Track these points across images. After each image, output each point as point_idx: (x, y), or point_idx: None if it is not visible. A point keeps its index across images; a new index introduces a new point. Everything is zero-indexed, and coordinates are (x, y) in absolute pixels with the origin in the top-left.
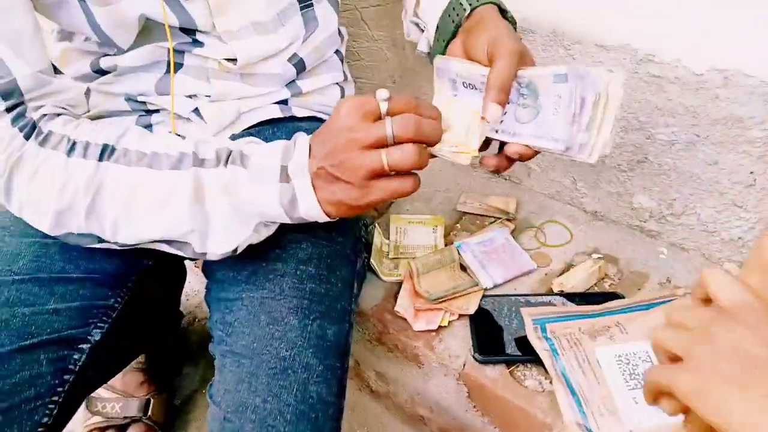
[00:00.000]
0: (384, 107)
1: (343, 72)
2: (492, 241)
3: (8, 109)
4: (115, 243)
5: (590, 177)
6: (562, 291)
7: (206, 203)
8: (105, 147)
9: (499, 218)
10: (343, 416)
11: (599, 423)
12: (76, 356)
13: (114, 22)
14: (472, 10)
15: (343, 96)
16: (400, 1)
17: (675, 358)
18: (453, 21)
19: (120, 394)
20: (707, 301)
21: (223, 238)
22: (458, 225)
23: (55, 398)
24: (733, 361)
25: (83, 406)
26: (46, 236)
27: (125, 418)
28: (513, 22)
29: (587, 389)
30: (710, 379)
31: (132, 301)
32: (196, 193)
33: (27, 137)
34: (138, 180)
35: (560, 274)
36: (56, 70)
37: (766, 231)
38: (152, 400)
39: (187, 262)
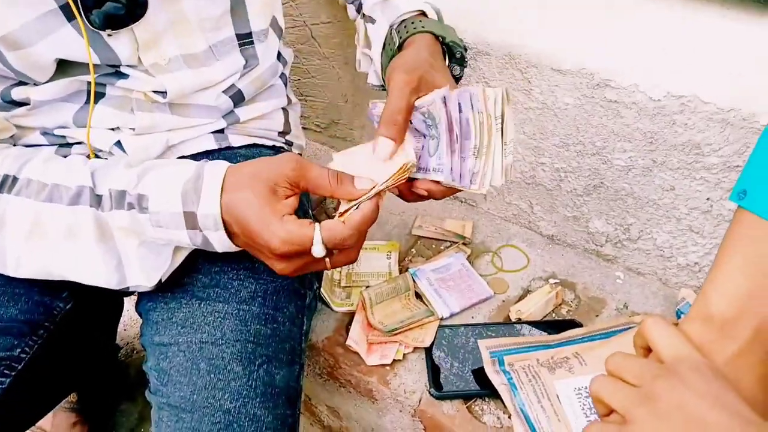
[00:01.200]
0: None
1: (287, 96)
2: (448, 268)
3: None
4: (20, 276)
5: (546, 201)
6: (520, 319)
7: (115, 241)
8: (5, 178)
9: (455, 242)
10: None
11: None
12: None
13: (28, 64)
14: (401, 43)
15: (287, 120)
16: (351, 20)
17: (613, 412)
18: (388, 55)
19: None
20: (648, 350)
21: (142, 272)
22: (413, 250)
23: None
24: (676, 424)
25: None
26: None
27: None
28: (452, 47)
29: (546, 425)
30: None
31: (46, 348)
32: (100, 231)
33: None
34: (40, 215)
35: (518, 301)
36: None
37: (708, 279)
38: None
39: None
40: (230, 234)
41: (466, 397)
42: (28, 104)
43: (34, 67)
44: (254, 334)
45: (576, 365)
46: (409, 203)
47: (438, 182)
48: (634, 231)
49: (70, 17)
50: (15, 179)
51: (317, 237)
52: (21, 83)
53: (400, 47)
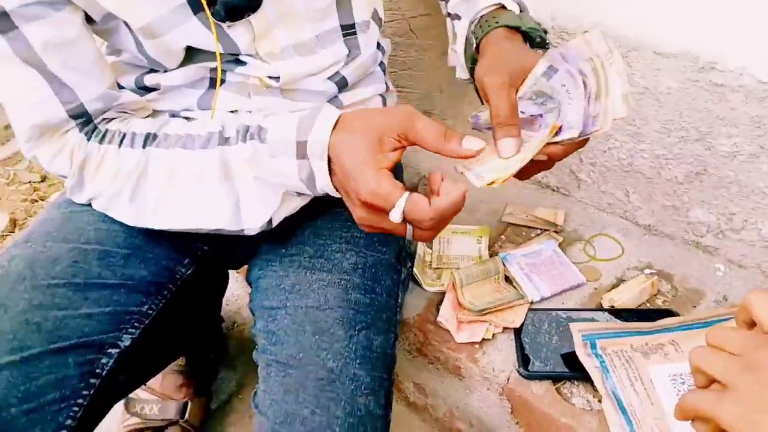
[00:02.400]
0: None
1: (385, 83)
2: (539, 254)
3: (78, 124)
4: (157, 227)
5: (644, 189)
6: (613, 306)
7: (234, 179)
8: (148, 135)
9: (547, 230)
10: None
11: None
12: (104, 360)
13: (161, 51)
14: (478, 44)
15: (384, 105)
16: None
17: (714, 382)
18: (470, 53)
19: (158, 396)
20: (751, 324)
21: (255, 210)
22: (503, 236)
23: (80, 401)
24: None
25: (122, 406)
26: (86, 242)
27: (163, 420)
28: (530, 33)
29: (639, 409)
30: (757, 411)
31: (167, 308)
32: (224, 169)
33: (89, 138)
34: (174, 160)
35: (610, 289)
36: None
37: None
38: (190, 403)
39: (230, 270)
40: (330, 172)
41: (555, 378)
42: (159, 89)
43: (167, 54)
44: (355, 302)
45: (672, 352)
46: (500, 191)
47: (557, 143)
48: (738, 221)
49: (196, 10)
50: (155, 136)
51: (400, 203)
52: (152, 71)
53: (477, 48)
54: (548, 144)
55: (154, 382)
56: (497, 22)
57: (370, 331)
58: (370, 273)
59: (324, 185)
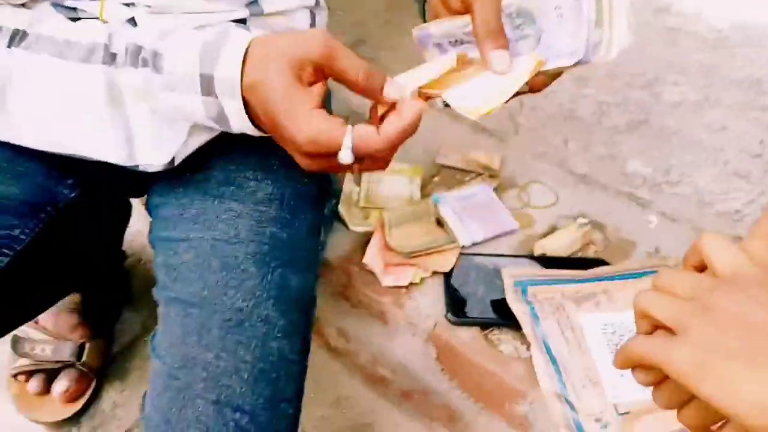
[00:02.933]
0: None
1: None
2: (473, 196)
3: None
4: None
5: (583, 137)
6: (544, 254)
7: (126, 107)
8: (16, 32)
9: (482, 174)
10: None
11: (580, 395)
12: None
13: None
14: None
15: (312, 24)
16: None
17: (661, 329)
18: None
19: (52, 336)
20: (701, 268)
21: (153, 147)
22: (436, 178)
23: None
24: (737, 334)
25: (8, 347)
26: None
27: (57, 362)
28: None
29: (569, 358)
30: (713, 355)
31: (46, 234)
32: (110, 93)
33: None
34: (47, 71)
35: (543, 237)
36: None
37: None
38: (87, 345)
39: (133, 200)
40: (252, 116)
41: (484, 325)
42: None
43: None
44: (270, 236)
45: (603, 301)
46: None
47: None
48: (675, 174)
49: None
50: (25, 34)
51: (347, 142)
52: None
53: None
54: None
55: (47, 320)
56: None
57: (286, 269)
58: (288, 206)
59: (242, 127)
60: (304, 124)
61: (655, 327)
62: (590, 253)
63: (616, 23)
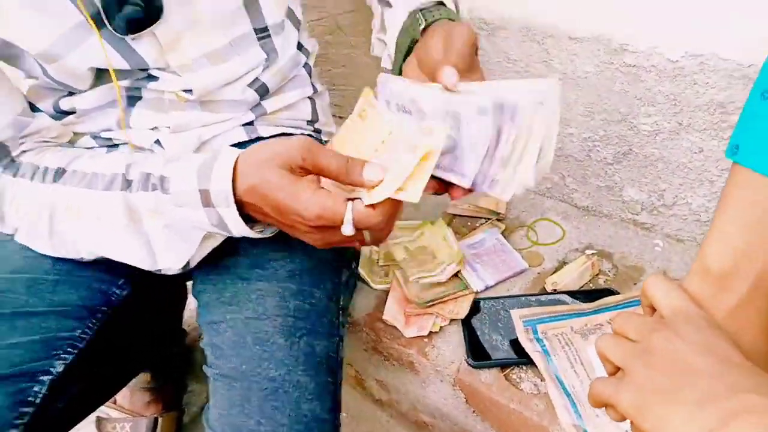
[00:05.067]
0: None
1: (312, 85)
2: (482, 243)
3: None
4: (83, 258)
5: (578, 172)
6: (555, 290)
7: (143, 223)
8: (58, 170)
9: (490, 219)
10: (342, 429)
11: (595, 424)
12: (36, 389)
13: (65, 73)
14: (427, 26)
15: (314, 109)
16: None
17: (618, 368)
18: (410, 36)
19: (129, 414)
20: (653, 309)
21: (170, 255)
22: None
23: (14, 431)
24: (668, 373)
25: (94, 427)
26: (13, 271)
27: None
28: None
29: (581, 390)
30: (651, 397)
31: (105, 330)
32: (129, 214)
33: (4, 170)
34: (79, 200)
35: (553, 273)
36: (33, 107)
37: (707, 235)
38: (161, 419)
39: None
40: (256, 215)
41: (503, 365)
42: (75, 112)
43: (72, 77)
44: (294, 309)
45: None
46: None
47: (450, 184)
48: (669, 197)
49: (99, 27)
50: (64, 171)
51: (348, 217)
52: (70, 94)
53: (422, 32)
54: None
55: (123, 399)
56: (442, 16)
57: (311, 336)
58: (308, 278)
59: (240, 231)
60: (310, 202)
61: (616, 368)
62: (601, 282)
63: (522, 169)
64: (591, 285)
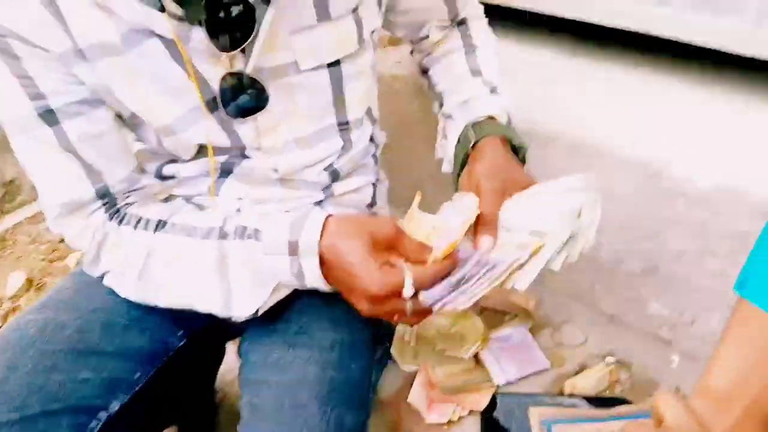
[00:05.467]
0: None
1: (376, 173)
2: (509, 338)
3: (103, 204)
4: (158, 304)
5: (607, 280)
6: (573, 393)
7: (229, 272)
8: (159, 221)
9: (519, 315)
10: None
11: None
12: (92, 424)
13: (176, 145)
14: (475, 143)
15: (374, 194)
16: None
17: None
18: (464, 150)
19: None
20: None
21: (246, 301)
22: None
23: None
24: None
25: None
26: (92, 312)
27: None
28: (518, 149)
29: None
30: None
31: (158, 376)
32: (219, 262)
33: (111, 219)
34: (177, 248)
35: (573, 375)
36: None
37: (711, 358)
38: None
39: (228, 343)
40: (326, 272)
41: None
42: (176, 178)
43: (182, 148)
44: (330, 380)
45: None
46: None
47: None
48: (689, 315)
49: (212, 110)
50: (166, 222)
51: (408, 279)
52: (172, 161)
53: (473, 146)
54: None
55: None
56: (494, 131)
57: (342, 408)
58: (347, 351)
59: (313, 280)
60: (376, 272)
61: None
62: (617, 391)
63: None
64: (607, 392)
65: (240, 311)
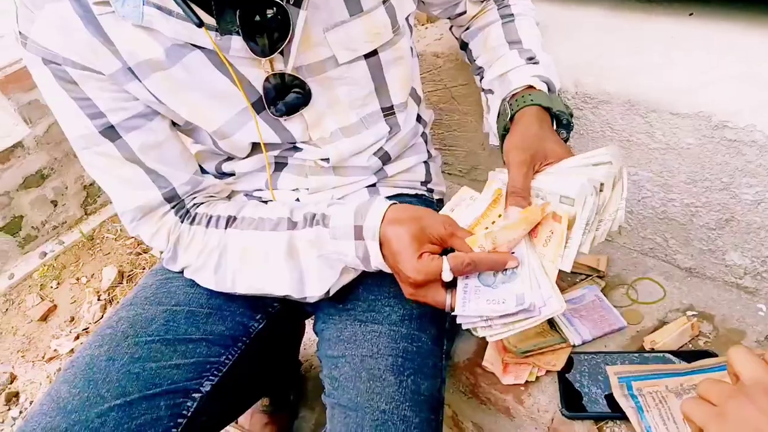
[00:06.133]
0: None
1: (428, 151)
2: (582, 299)
3: (173, 206)
4: (236, 292)
5: (680, 235)
6: (653, 348)
7: (300, 257)
8: (229, 217)
9: (590, 275)
10: None
11: None
12: (189, 404)
13: (231, 146)
14: (513, 114)
15: (428, 171)
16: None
17: (700, 430)
18: (502, 125)
19: None
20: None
21: (316, 284)
22: None
23: None
24: None
25: None
26: (176, 304)
27: None
28: (559, 116)
29: None
30: None
31: (243, 357)
32: (289, 250)
33: (182, 220)
34: (248, 241)
35: (652, 332)
36: (201, 168)
37: None
38: None
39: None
40: (383, 254)
41: (597, 418)
42: (234, 174)
43: (236, 148)
44: (403, 350)
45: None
46: None
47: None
48: None
49: (258, 111)
50: (235, 218)
51: (446, 265)
52: (228, 158)
53: (512, 118)
54: None
55: (244, 420)
56: (532, 100)
57: (417, 376)
58: (416, 323)
59: (377, 263)
60: (412, 258)
61: (699, 429)
62: (700, 344)
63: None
64: (690, 346)
65: (312, 292)
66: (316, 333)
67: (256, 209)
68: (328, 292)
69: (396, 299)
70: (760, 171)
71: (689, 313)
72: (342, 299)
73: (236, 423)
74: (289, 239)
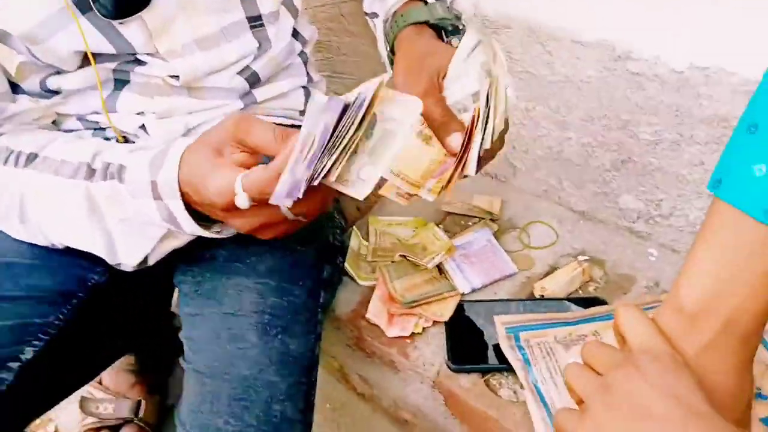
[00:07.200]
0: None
1: (308, 74)
2: (472, 244)
3: None
4: (53, 245)
5: (575, 176)
6: (543, 295)
7: (103, 215)
8: (30, 155)
9: (483, 218)
10: (325, 420)
11: None
12: (2, 375)
13: (50, 55)
14: (392, 44)
15: (308, 99)
16: None
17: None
18: (390, 44)
19: (113, 395)
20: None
21: (128, 250)
22: (441, 226)
23: None
24: (626, 416)
25: (77, 406)
26: None
27: (117, 419)
28: (440, 25)
29: (558, 400)
30: (604, 431)
31: (80, 316)
32: (90, 205)
33: None
34: (44, 186)
35: (543, 277)
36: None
37: (682, 269)
38: (143, 402)
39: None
40: (193, 206)
41: (483, 371)
42: (60, 93)
43: (58, 58)
44: (270, 306)
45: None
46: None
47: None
48: (666, 207)
49: (84, 10)
50: (36, 156)
51: (237, 188)
52: (57, 72)
53: (392, 50)
54: None
55: (108, 380)
56: (405, 21)
57: (286, 335)
58: (287, 275)
59: (190, 228)
60: (210, 180)
61: (581, 399)
62: (591, 290)
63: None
64: (580, 292)
65: (126, 259)
66: (175, 285)
67: (64, 146)
68: (145, 260)
69: (264, 247)
70: (660, 108)
71: (581, 257)
72: (202, 247)
73: (100, 383)
74: (86, 192)
